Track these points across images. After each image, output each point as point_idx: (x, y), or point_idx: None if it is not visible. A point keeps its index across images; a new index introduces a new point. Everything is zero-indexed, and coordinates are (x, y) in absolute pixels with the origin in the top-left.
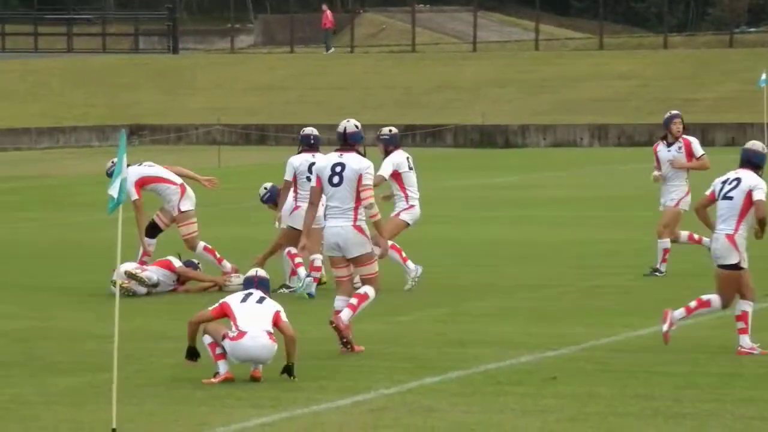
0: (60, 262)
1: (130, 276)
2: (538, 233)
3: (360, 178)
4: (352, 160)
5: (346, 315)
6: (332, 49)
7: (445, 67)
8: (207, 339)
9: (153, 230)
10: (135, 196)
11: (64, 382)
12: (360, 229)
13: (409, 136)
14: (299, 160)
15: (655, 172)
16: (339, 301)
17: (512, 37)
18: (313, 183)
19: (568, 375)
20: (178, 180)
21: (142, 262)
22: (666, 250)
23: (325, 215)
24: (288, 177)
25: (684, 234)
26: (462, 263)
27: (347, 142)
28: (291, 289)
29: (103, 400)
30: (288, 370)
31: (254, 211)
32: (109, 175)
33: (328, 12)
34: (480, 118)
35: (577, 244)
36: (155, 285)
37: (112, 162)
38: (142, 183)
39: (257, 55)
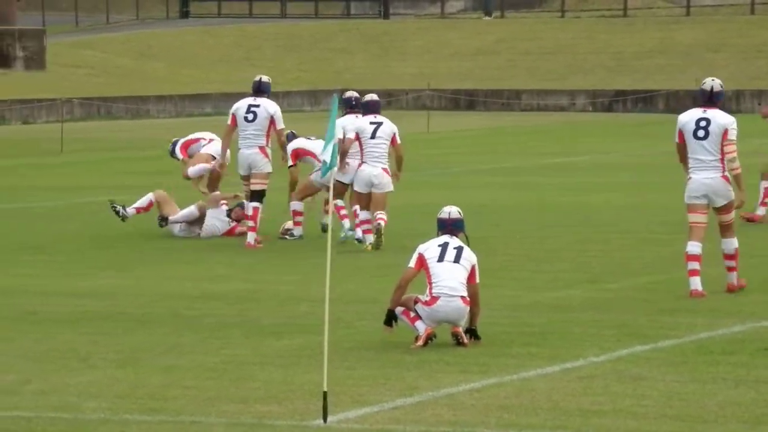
0: (268, 226)
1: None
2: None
3: (725, 132)
4: (718, 116)
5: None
6: (492, 16)
7: (657, 31)
8: (398, 309)
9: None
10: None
11: (277, 344)
12: (727, 179)
13: (620, 102)
14: (345, 121)
15: None
16: (692, 246)
17: (727, 0)
18: (676, 139)
19: None
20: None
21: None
22: None
23: (689, 168)
24: (340, 135)
25: None
26: (673, 230)
27: (712, 100)
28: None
29: (314, 362)
30: (471, 332)
31: (464, 176)
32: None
33: None
34: (693, 83)
35: None
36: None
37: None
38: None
39: (467, 20)
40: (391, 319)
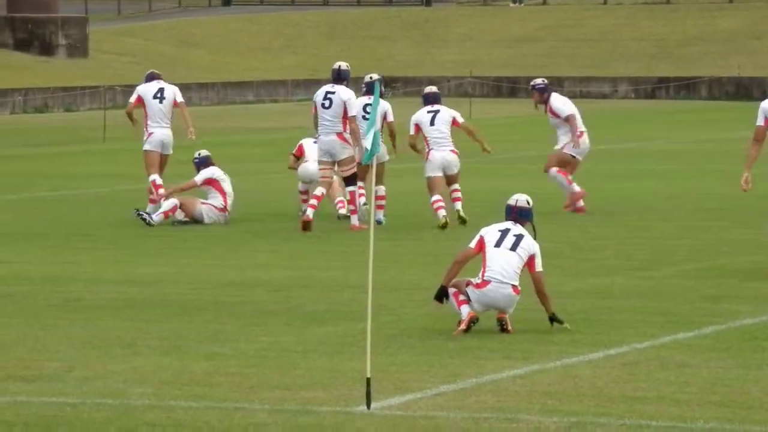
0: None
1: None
2: None
3: None
4: None
5: None
6: (521, 3)
7: (699, 18)
8: (451, 289)
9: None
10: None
11: (320, 331)
12: None
13: (662, 89)
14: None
15: None
16: None
17: None
18: None
19: None
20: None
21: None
22: None
23: None
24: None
25: None
26: (717, 218)
27: None
28: None
29: (357, 349)
30: (552, 318)
31: (507, 163)
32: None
33: None
34: (736, 70)
35: None
36: None
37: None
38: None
39: (509, 8)
40: (442, 295)
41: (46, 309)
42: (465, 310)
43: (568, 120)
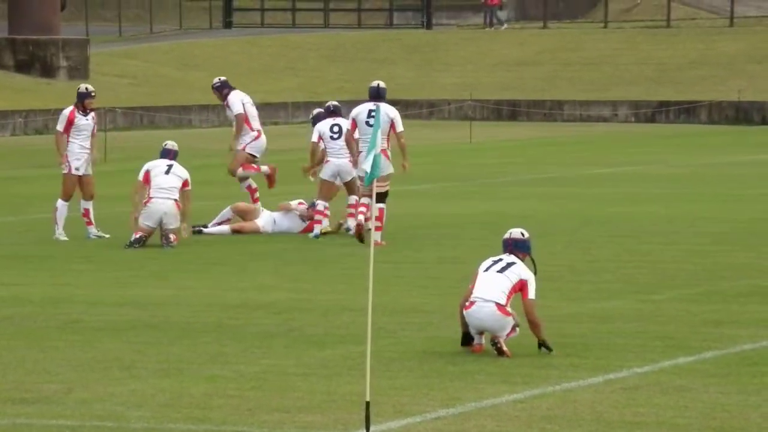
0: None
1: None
2: None
3: None
4: None
5: None
6: (503, 26)
7: (700, 42)
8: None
9: None
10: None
11: (319, 354)
12: None
13: (662, 113)
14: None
15: None
16: None
17: None
18: None
19: None
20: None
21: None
22: None
23: None
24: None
25: None
26: (717, 241)
27: None
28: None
29: (356, 372)
30: (541, 345)
31: (507, 186)
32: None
33: None
34: (736, 94)
35: None
36: None
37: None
38: None
39: (510, 31)
40: (468, 339)
41: (45, 331)
42: (477, 338)
43: (237, 119)
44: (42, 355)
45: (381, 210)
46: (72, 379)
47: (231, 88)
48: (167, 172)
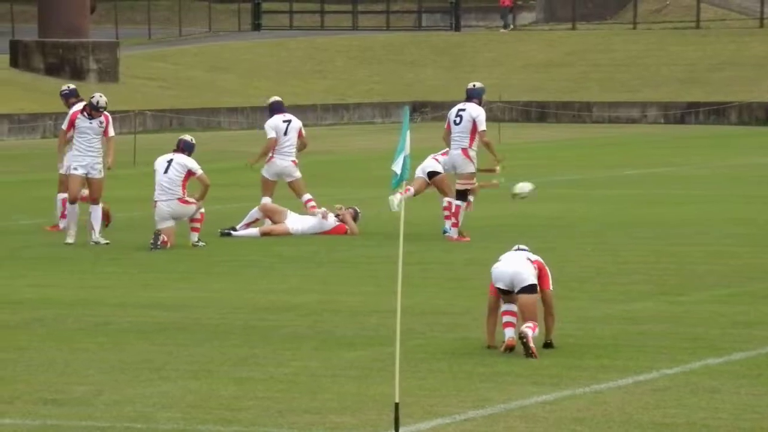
0: (337, 236)
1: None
2: None
3: None
4: None
5: None
6: (509, 27)
7: (730, 43)
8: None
9: None
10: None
11: (348, 355)
12: None
13: (692, 114)
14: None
15: None
16: None
17: None
18: None
19: None
20: None
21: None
22: None
23: None
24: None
25: None
26: (746, 243)
27: None
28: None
29: (385, 374)
30: (546, 345)
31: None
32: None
33: None
34: (766, 95)
35: None
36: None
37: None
38: None
39: (538, 32)
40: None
41: (75, 333)
42: (508, 333)
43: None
44: (72, 357)
45: (457, 207)
46: (102, 380)
47: (78, 99)
48: (166, 170)
